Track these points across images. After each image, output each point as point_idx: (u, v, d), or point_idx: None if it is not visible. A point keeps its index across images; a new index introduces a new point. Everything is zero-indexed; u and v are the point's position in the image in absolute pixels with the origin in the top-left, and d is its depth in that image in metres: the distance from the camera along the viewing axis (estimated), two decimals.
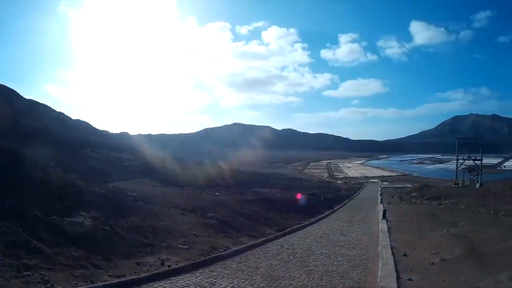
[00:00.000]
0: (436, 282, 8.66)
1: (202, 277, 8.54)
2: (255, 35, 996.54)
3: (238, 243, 12.84)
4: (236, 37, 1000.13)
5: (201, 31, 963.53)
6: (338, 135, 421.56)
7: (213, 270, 9.15)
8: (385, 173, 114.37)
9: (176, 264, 9.40)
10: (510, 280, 8.36)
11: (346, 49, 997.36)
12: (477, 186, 51.57)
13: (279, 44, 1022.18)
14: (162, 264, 9.37)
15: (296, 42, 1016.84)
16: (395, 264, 10.15)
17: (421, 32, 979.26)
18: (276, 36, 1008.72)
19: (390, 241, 13.81)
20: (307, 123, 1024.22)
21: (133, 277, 8.04)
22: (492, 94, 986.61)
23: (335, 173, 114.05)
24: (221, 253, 10.95)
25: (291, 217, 20.36)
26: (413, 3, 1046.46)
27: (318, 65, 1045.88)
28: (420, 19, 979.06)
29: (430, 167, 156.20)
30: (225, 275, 8.73)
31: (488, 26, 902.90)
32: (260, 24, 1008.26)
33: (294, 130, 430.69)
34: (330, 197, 34.41)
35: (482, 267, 9.65)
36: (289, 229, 16.57)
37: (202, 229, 13.69)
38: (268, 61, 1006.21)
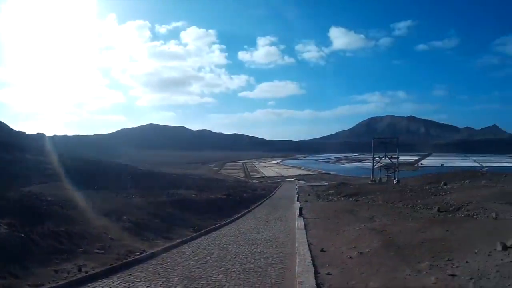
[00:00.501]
0: (355, 275, 9.24)
1: (119, 281, 9.10)
2: (174, 35, 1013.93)
3: (154, 245, 13.57)
4: (155, 36, 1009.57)
5: (120, 29, 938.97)
6: (254, 136, 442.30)
7: (130, 274, 9.72)
8: (302, 172, 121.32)
9: (94, 270, 9.93)
10: (430, 269, 8.92)
11: (263, 52, 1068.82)
12: (394, 182, 56.50)
13: (197, 45, 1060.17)
14: (79, 270, 9.87)
15: (214, 43, 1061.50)
16: (313, 260, 10.85)
17: (340, 38, 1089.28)
18: (194, 36, 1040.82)
19: (307, 238, 14.74)
20: (223, 123, 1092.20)
21: (52, 286, 8.56)
22: (408, 97, 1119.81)
23: (251, 173, 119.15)
24: (138, 257, 11.64)
25: (207, 218, 21.64)
26: (334, 10, 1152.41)
27: (234, 67, 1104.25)
28: (340, 25, 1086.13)
29: (347, 165, 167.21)
30: (142, 279, 9.34)
31: (407, 35, 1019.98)
32: (180, 24, 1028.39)
33: (209, 130, 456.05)
34: (246, 197, 36.07)
35: (401, 258, 10.34)
36: (205, 229, 17.61)
37: (118, 233, 14.36)
38: (185, 62, 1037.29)
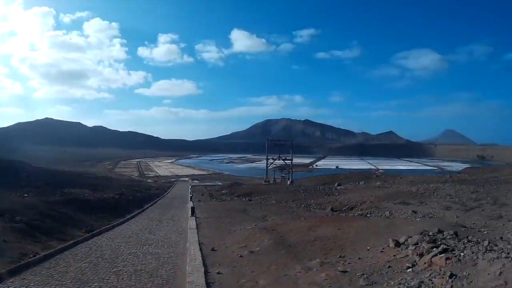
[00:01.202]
0: (246, 274, 9.55)
1: (13, 286, 9.04)
2: (77, 25, 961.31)
3: (48, 247, 13.55)
4: (58, 25, 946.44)
5: (25, 15, 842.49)
6: (149, 134, 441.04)
7: (24, 278, 9.64)
8: (196, 172, 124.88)
9: None
10: (321, 266, 9.02)
11: (163, 49, 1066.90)
12: (288, 183, 58.64)
13: (99, 37, 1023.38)
14: None
15: (115, 37, 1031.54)
16: (203, 259, 11.28)
17: (242, 40, 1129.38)
18: (97, 28, 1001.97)
19: (198, 237, 15.29)
20: (119, 120, 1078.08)
21: None
22: (305, 102, 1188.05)
23: (145, 172, 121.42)
24: (31, 259, 11.57)
25: (100, 218, 22.31)
26: (238, 13, 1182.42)
27: (133, 62, 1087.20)
28: (243, 28, 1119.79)
29: (241, 166, 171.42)
30: (36, 282, 9.32)
31: (309, 42, 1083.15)
32: (84, 14, 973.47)
33: (104, 127, 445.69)
34: (140, 196, 37.37)
35: (292, 256, 10.61)
36: (98, 230, 17.97)
37: (10, 234, 14.19)
38: (85, 54, 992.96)
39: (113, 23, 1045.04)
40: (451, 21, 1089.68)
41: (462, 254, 7.07)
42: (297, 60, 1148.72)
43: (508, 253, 6.29)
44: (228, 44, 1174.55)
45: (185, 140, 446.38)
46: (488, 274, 5.96)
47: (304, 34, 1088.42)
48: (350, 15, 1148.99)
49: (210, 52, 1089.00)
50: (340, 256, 9.78)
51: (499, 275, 5.76)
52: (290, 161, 72.28)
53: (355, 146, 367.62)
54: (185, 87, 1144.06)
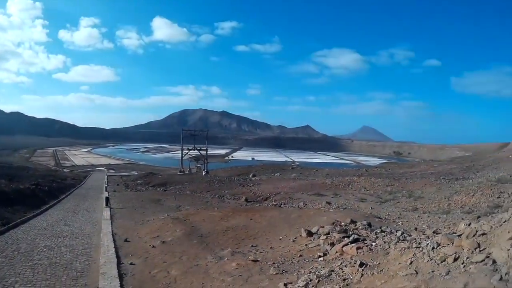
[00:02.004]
0: (158, 264, 9.51)
1: None
2: (2, 3, 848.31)
3: None
4: None
5: None
6: (66, 121, 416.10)
7: None
8: (112, 161, 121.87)
9: None
10: (232, 255, 8.90)
11: (85, 33, 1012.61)
12: (203, 173, 58.11)
13: (21, 17, 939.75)
14: None
15: (38, 17, 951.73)
16: (116, 250, 11.13)
17: (163, 29, 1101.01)
18: (21, 7, 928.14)
19: (112, 228, 15.15)
20: (36, 106, 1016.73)
21: None
22: (222, 93, 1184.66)
23: (62, 161, 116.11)
24: None
25: (16, 210, 21.37)
26: (161, 1, 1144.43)
27: (54, 46, 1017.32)
28: (165, 16, 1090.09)
29: (156, 155, 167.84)
30: None
31: (230, 35, 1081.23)
32: None
33: (21, 113, 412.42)
34: (55, 187, 35.85)
35: (204, 246, 10.53)
36: (14, 222, 17.31)
37: None
38: (6, 34, 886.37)
39: (37, 3, 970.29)
40: (376, 24, 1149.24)
41: (374, 244, 7.15)
42: (217, 51, 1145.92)
43: (419, 243, 6.43)
44: (149, 31, 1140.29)
45: (102, 128, 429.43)
46: (399, 263, 6.02)
47: (226, 26, 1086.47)
48: (273, 11, 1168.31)
49: (130, 39, 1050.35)
50: (252, 246, 9.71)
51: (410, 264, 5.83)
52: (205, 152, 71.74)
53: (271, 138, 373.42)
54: (104, 73, 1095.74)
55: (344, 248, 7.15)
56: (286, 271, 6.65)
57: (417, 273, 5.57)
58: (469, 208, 17.54)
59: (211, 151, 75.97)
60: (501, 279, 4.95)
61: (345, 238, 7.62)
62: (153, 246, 11.36)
